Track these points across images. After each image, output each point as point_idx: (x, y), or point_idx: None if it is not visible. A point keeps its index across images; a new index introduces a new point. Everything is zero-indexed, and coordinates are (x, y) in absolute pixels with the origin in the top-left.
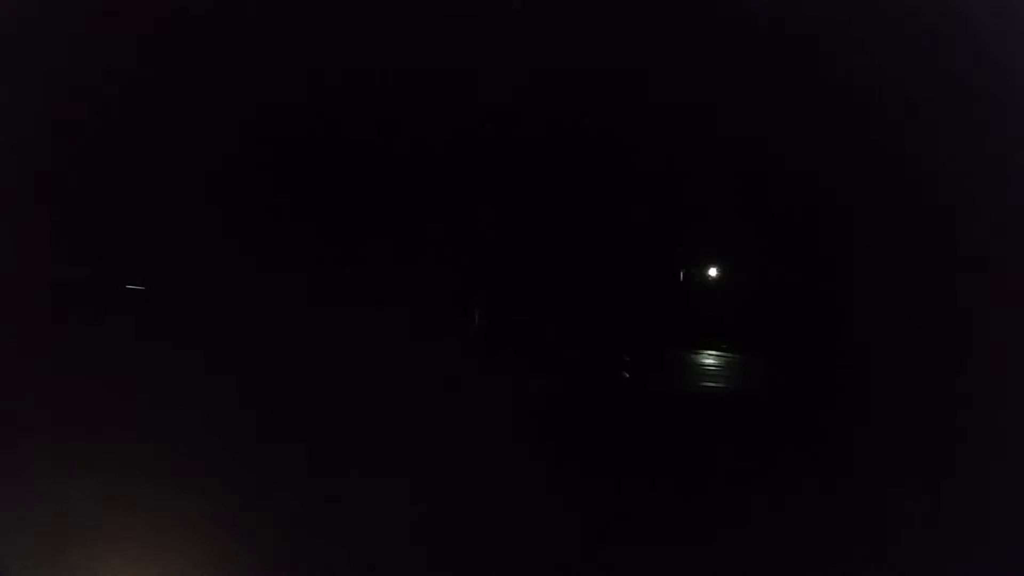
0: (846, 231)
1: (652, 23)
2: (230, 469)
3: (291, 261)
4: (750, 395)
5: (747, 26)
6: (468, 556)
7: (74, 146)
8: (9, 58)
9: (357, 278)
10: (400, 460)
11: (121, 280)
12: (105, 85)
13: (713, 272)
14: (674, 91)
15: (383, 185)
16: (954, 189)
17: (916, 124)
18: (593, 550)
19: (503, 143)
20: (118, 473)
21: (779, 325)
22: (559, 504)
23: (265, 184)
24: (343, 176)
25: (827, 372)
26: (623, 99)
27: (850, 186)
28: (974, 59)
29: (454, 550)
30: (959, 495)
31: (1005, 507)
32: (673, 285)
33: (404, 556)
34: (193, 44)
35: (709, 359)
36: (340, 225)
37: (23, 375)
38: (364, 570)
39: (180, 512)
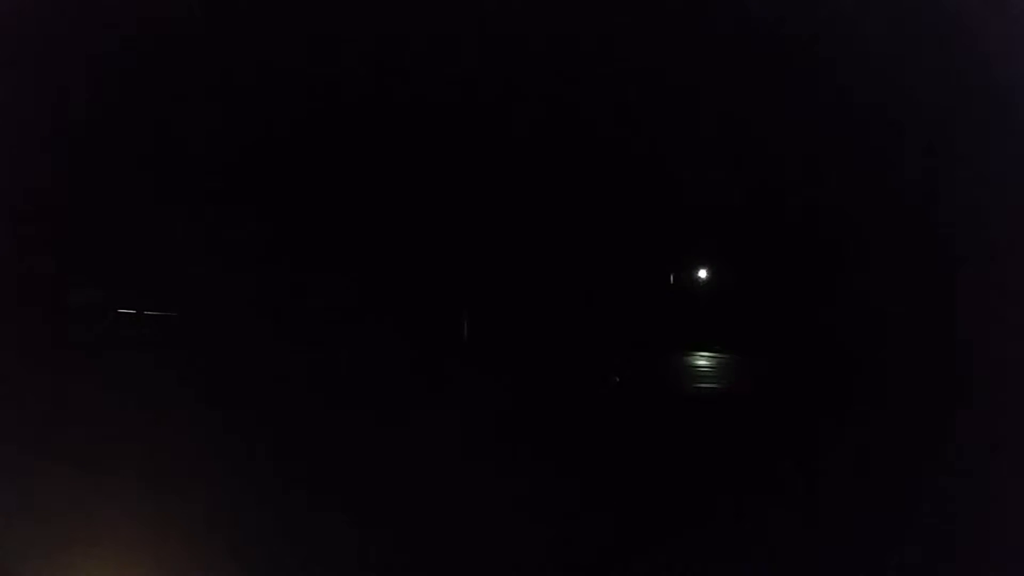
0: (838, 231)
1: (646, 21)
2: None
3: (280, 269)
4: (743, 397)
5: (744, 25)
6: None
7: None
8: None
9: (347, 285)
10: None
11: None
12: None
13: (703, 274)
14: (665, 92)
15: (374, 190)
16: (952, 189)
17: (913, 124)
18: None
19: (491, 148)
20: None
21: (771, 325)
22: (539, 529)
23: (255, 193)
24: (333, 184)
25: (820, 372)
26: (611, 101)
27: (842, 186)
28: (974, 60)
29: None
30: (957, 495)
31: (1005, 507)
32: (663, 287)
33: None
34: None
35: (702, 360)
36: (330, 232)
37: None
38: None
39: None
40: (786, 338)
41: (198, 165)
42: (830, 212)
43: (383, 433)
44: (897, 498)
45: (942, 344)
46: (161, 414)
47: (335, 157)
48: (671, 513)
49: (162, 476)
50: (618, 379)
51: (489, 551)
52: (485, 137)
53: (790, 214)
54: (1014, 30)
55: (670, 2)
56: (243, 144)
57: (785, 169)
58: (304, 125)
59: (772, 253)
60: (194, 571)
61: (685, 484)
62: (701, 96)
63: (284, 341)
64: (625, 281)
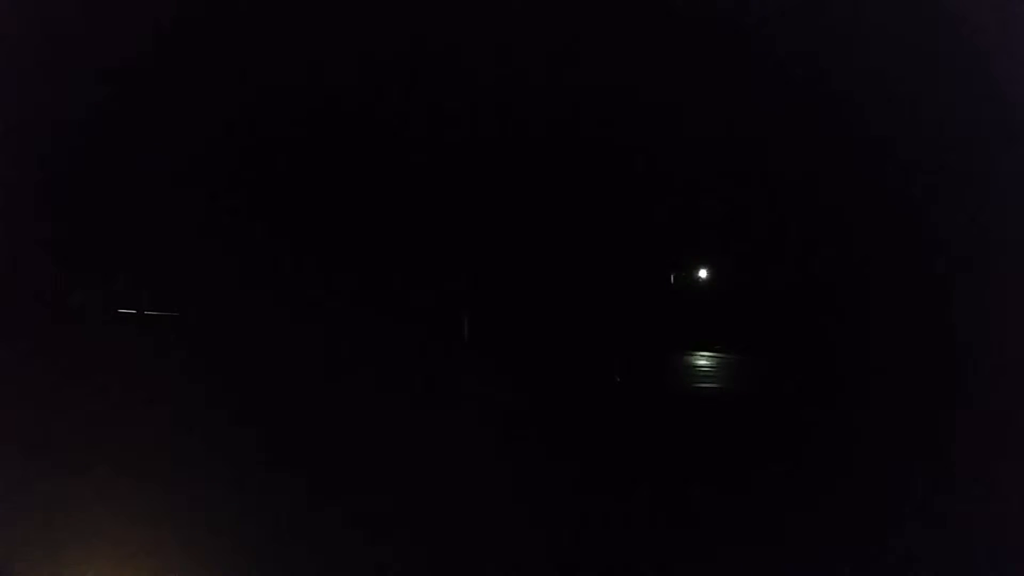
0: (838, 232)
1: (645, 28)
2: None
3: (284, 271)
4: (743, 396)
5: (744, 27)
6: None
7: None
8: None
9: (348, 285)
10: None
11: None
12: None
13: (704, 274)
14: (664, 94)
15: (376, 191)
16: (952, 190)
17: (913, 125)
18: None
19: (493, 150)
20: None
21: (772, 325)
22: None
23: (257, 194)
24: (335, 184)
25: (820, 372)
26: (612, 105)
27: (842, 188)
28: (974, 60)
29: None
30: (957, 495)
31: (1005, 507)
32: (665, 287)
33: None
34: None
35: (703, 360)
36: (333, 234)
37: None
38: None
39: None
40: (786, 338)
41: (201, 166)
42: (830, 213)
43: (383, 432)
44: (897, 498)
45: (942, 344)
46: (161, 414)
47: (337, 158)
48: (671, 513)
49: (162, 476)
50: (619, 379)
51: (489, 550)
52: (487, 139)
53: (790, 214)
54: (1014, 30)
55: (670, 4)
56: (246, 145)
57: (785, 169)
58: (306, 125)
59: (772, 253)
60: (194, 571)
61: (685, 484)
62: (701, 97)
63: (284, 341)
64: (626, 282)
